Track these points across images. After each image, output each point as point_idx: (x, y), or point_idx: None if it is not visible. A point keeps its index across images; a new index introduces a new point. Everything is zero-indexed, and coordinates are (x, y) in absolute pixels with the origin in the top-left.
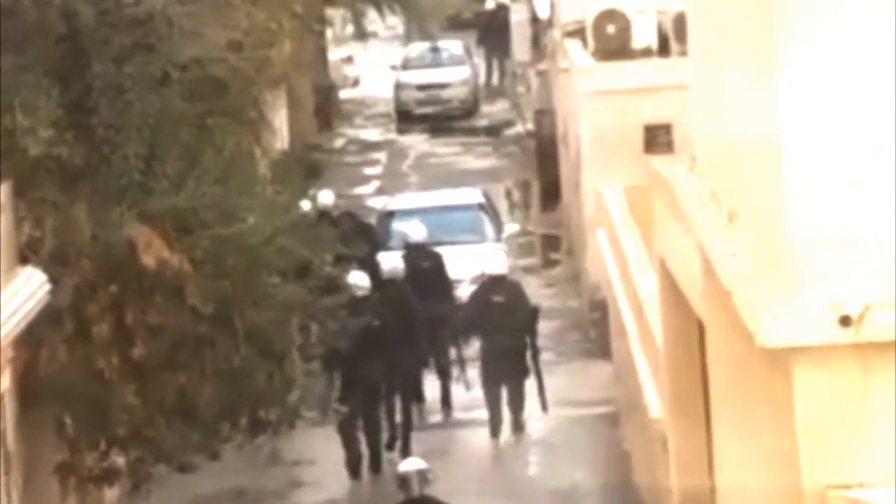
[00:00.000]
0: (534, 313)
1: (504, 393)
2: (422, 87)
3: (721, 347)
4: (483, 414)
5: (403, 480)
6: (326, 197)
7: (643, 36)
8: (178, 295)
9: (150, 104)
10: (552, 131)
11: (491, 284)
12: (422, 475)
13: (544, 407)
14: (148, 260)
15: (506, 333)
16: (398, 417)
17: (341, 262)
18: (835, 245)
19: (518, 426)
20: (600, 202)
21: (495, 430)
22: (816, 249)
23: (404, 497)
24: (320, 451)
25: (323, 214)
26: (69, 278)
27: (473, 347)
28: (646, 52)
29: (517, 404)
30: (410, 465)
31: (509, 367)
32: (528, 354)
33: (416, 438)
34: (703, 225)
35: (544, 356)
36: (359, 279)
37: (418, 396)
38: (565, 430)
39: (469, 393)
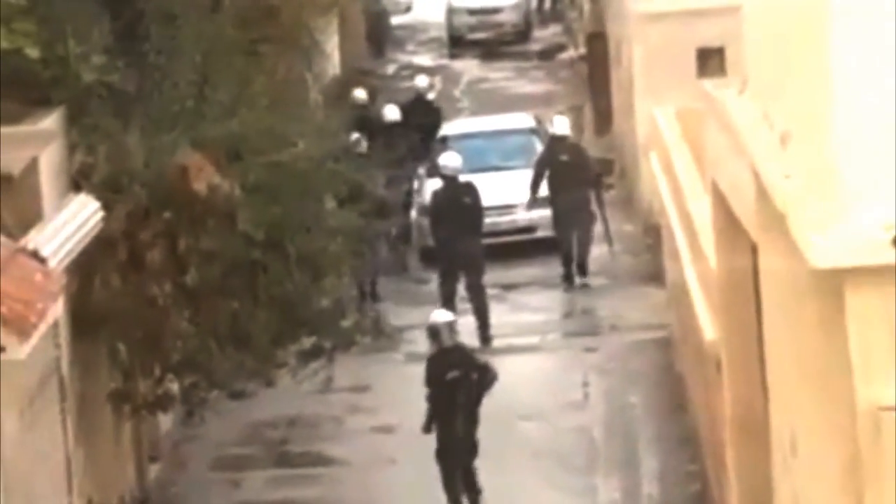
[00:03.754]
0: (598, 177)
1: (574, 240)
2: (474, 12)
3: (774, 269)
4: (532, 339)
5: (434, 331)
6: (392, 113)
7: None
8: (231, 221)
9: (202, 31)
10: (605, 55)
11: (555, 145)
12: (451, 326)
13: (610, 243)
14: (200, 186)
15: (573, 187)
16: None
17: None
18: (887, 166)
19: (583, 271)
20: (653, 126)
21: (568, 276)
22: (869, 170)
23: (436, 347)
24: (374, 377)
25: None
26: (122, 205)
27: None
28: None
29: (585, 247)
30: (439, 316)
31: (578, 216)
32: (594, 204)
33: None
34: (756, 147)
35: (598, 281)
36: (451, 160)
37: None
38: (620, 355)
39: (518, 319)
